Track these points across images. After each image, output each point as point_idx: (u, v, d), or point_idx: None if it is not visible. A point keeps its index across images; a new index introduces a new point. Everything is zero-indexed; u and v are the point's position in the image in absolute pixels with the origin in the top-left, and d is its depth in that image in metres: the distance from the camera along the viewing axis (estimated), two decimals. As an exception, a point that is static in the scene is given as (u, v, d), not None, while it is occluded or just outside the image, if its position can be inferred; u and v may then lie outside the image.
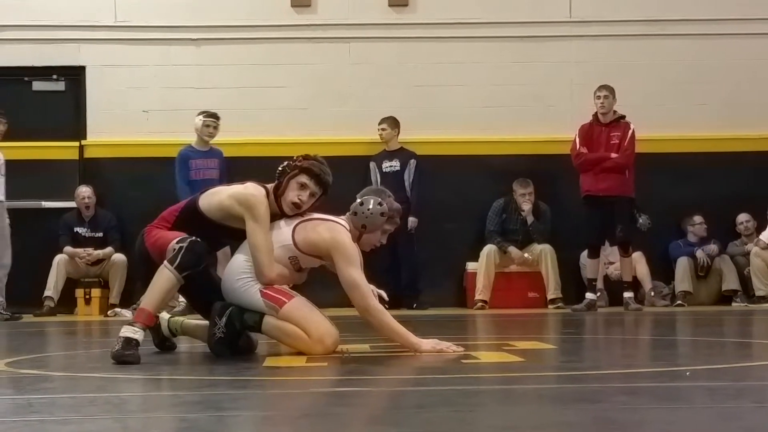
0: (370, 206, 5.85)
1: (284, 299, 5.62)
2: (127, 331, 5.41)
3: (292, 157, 5.92)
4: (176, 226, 5.77)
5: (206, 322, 5.82)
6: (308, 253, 5.74)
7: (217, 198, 5.84)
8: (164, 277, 5.49)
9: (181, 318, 6.16)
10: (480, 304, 11.07)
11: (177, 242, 5.55)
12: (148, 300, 5.51)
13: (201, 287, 5.75)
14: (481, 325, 9.46)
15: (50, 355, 6.93)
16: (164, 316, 6.10)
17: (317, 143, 11.44)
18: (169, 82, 11.66)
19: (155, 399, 4.34)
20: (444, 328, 8.47)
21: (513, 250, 11.28)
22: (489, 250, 11.28)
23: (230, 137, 11.16)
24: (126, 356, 5.33)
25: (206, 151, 10.92)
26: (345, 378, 4.91)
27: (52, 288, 11.16)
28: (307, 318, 5.61)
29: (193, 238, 5.58)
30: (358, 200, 5.90)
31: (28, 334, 8.76)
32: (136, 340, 5.39)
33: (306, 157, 5.89)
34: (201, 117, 10.84)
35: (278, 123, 11.56)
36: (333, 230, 5.73)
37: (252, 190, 5.78)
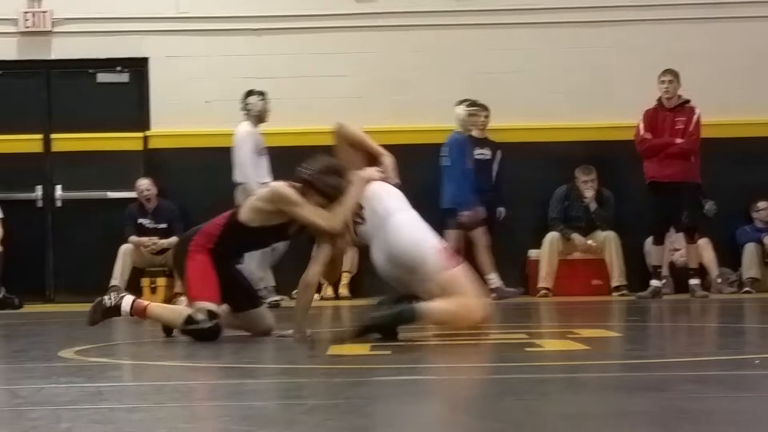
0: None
1: (453, 264, 5.87)
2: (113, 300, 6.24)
3: (313, 168, 6.15)
4: (221, 243, 6.14)
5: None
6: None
7: (249, 205, 6.25)
8: (173, 317, 6.15)
9: None
10: (543, 291, 11.02)
11: (199, 312, 6.01)
12: (157, 312, 6.26)
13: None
14: (544, 313, 9.43)
15: (118, 343, 7.01)
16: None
17: (376, 132, 11.41)
18: (230, 72, 11.71)
19: (222, 387, 4.37)
20: (508, 316, 8.45)
21: (576, 237, 11.21)
22: (552, 237, 11.22)
23: (289, 126, 11.18)
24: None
25: (472, 140, 10.94)
26: (409, 366, 4.91)
27: (119, 277, 11.27)
28: (463, 288, 5.79)
29: (210, 323, 5.99)
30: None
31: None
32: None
33: (328, 171, 6.09)
34: (464, 107, 10.74)
35: (337, 112, 11.47)
36: None
37: (272, 185, 6.28)
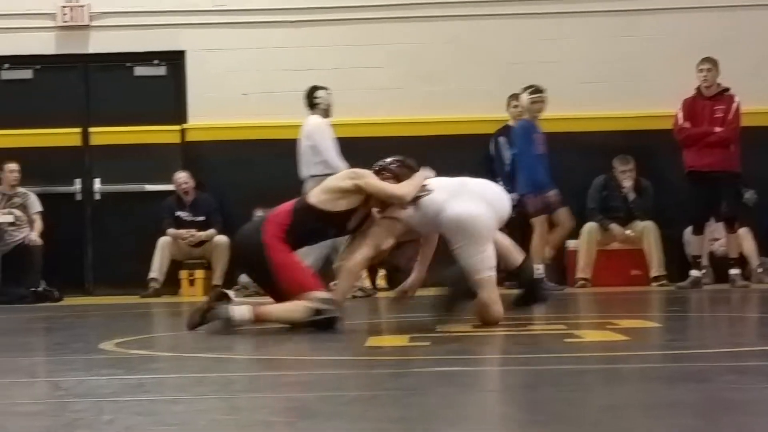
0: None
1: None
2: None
3: (387, 160, 6.39)
4: (291, 231, 6.14)
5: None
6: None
7: (323, 186, 6.32)
8: (296, 315, 6.03)
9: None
10: (581, 282, 10.98)
11: (321, 302, 6.03)
12: (272, 313, 6.10)
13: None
14: (583, 303, 9.39)
15: (157, 335, 7.06)
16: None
17: (412, 123, 11.43)
18: (267, 65, 11.75)
19: (261, 379, 4.39)
20: (547, 306, 8.41)
21: (615, 227, 11.15)
22: (590, 227, 11.17)
23: (328, 118, 11.20)
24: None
25: (537, 126, 10.88)
26: (449, 357, 4.91)
27: (157, 270, 11.34)
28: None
29: (337, 312, 6.05)
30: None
31: (135, 315, 8.94)
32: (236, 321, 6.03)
33: (401, 165, 6.33)
34: (527, 94, 10.75)
35: (374, 103, 11.57)
36: None
37: (359, 169, 6.39)
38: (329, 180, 6.46)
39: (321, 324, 5.96)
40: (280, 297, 6.16)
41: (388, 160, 6.40)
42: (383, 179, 6.26)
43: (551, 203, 10.60)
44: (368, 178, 6.22)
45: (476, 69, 11.66)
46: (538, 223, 10.58)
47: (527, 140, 10.65)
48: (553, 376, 4.17)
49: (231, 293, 6.57)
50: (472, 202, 6.12)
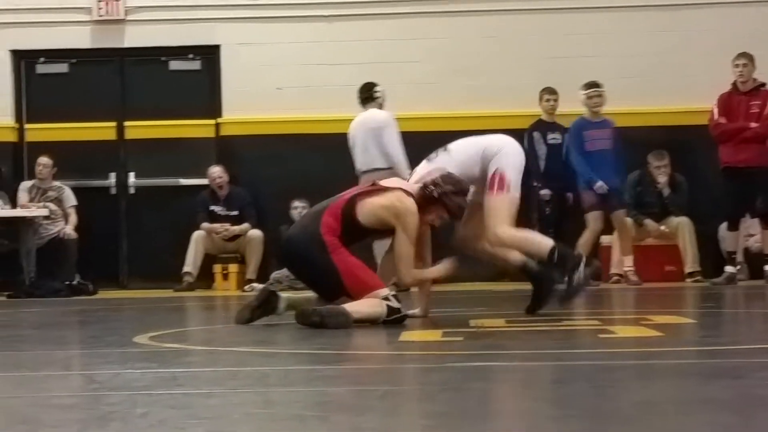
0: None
1: None
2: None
3: (440, 183, 6.23)
4: (344, 235, 6.15)
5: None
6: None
7: (370, 207, 6.20)
8: (379, 310, 6.00)
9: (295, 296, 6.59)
10: (616, 278, 10.94)
11: (392, 300, 6.05)
12: (361, 311, 6.00)
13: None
14: (617, 299, 9.36)
15: (191, 329, 7.09)
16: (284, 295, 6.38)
17: (449, 117, 11.42)
18: (302, 59, 11.76)
19: (295, 373, 4.40)
20: (580, 302, 8.39)
21: (649, 222, 11.10)
22: (624, 223, 11.12)
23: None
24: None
25: (599, 122, 10.90)
26: (481, 353, 4.91)
27: (191, 264, 11.39)
28: None
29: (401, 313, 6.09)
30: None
31: (169, 309, 8.99)
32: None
33: (456, 192, 6.22)
34: (583, 90, 10.78)
35: (410, 98, 11.56)
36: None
37: (407, 203, 6.18)
38: (382, 204, 6.22)
39: (397, 321, 6.00)
40: (330, 295, 6.12)
41: (445, 187, 6.20)
42: (431, 210, 6.18)
43: (606, 200, 10.57)
44: (403, 233, 6.11)
45: (513, 64, 11.63)
46: (592, 218, 10.61)
47: (575, 138, 10.72)
48: (586, 371, 4.16)
49: (273, 289, 6.58)
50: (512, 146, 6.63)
